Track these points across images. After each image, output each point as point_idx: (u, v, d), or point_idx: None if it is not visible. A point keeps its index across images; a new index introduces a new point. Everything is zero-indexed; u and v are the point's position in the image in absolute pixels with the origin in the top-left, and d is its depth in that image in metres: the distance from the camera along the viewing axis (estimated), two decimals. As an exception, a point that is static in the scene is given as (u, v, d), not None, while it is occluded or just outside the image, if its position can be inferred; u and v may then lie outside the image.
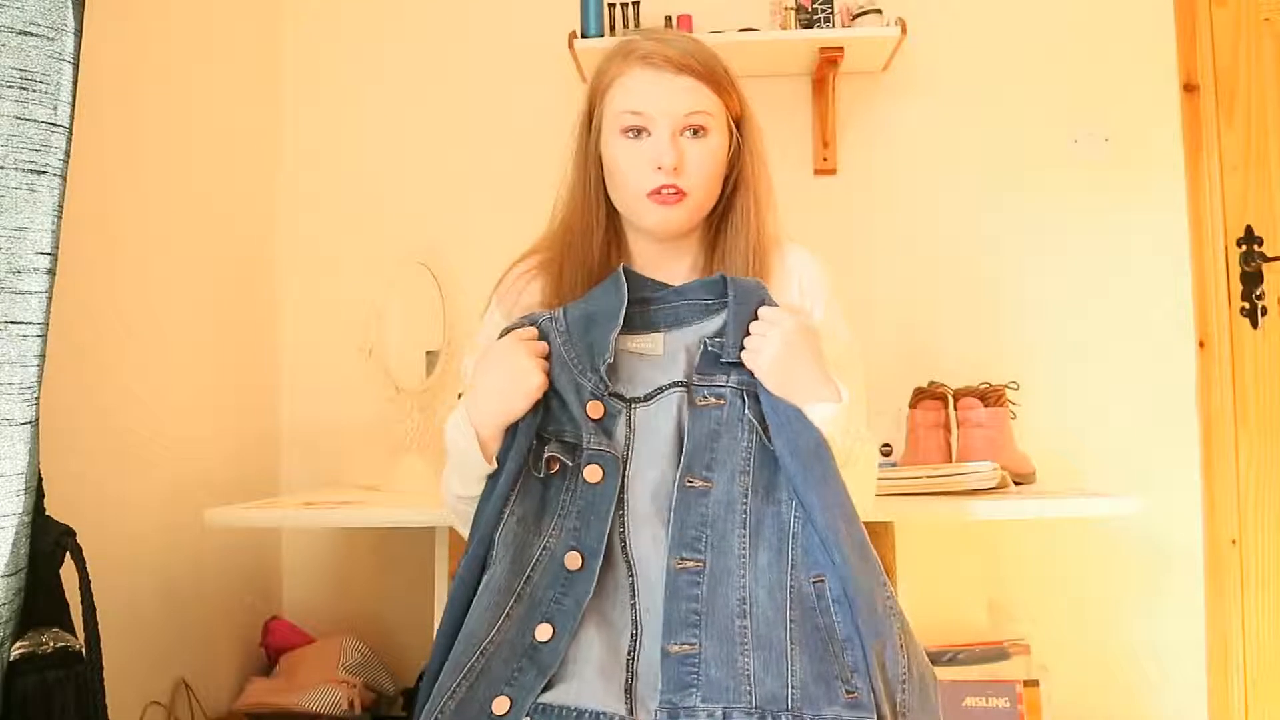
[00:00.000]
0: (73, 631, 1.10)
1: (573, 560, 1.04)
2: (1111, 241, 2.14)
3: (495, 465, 1.09)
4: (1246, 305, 2.10)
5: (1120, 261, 2.14)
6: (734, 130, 1.20)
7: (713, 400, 1.11)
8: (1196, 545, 2.10)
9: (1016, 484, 1.71)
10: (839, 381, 1.10)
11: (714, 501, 1.06)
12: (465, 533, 1.14)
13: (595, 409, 1.10)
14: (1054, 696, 1.83)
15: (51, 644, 1.06)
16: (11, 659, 1.03)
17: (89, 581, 1.09)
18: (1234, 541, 2.07)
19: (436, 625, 1.53)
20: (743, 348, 1.11)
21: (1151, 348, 2.12)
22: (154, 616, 1.68)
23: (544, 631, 1.01)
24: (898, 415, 1.94)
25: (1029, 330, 2.13)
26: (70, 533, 1.10)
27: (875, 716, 0.95)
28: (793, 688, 0.96)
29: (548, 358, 1.11)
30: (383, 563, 2.14)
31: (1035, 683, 1.78)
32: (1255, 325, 2.10)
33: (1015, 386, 1.88)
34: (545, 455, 1.09)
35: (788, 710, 0.95)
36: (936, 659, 1.84)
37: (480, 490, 1.11)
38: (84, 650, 1.08)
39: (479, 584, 1.06)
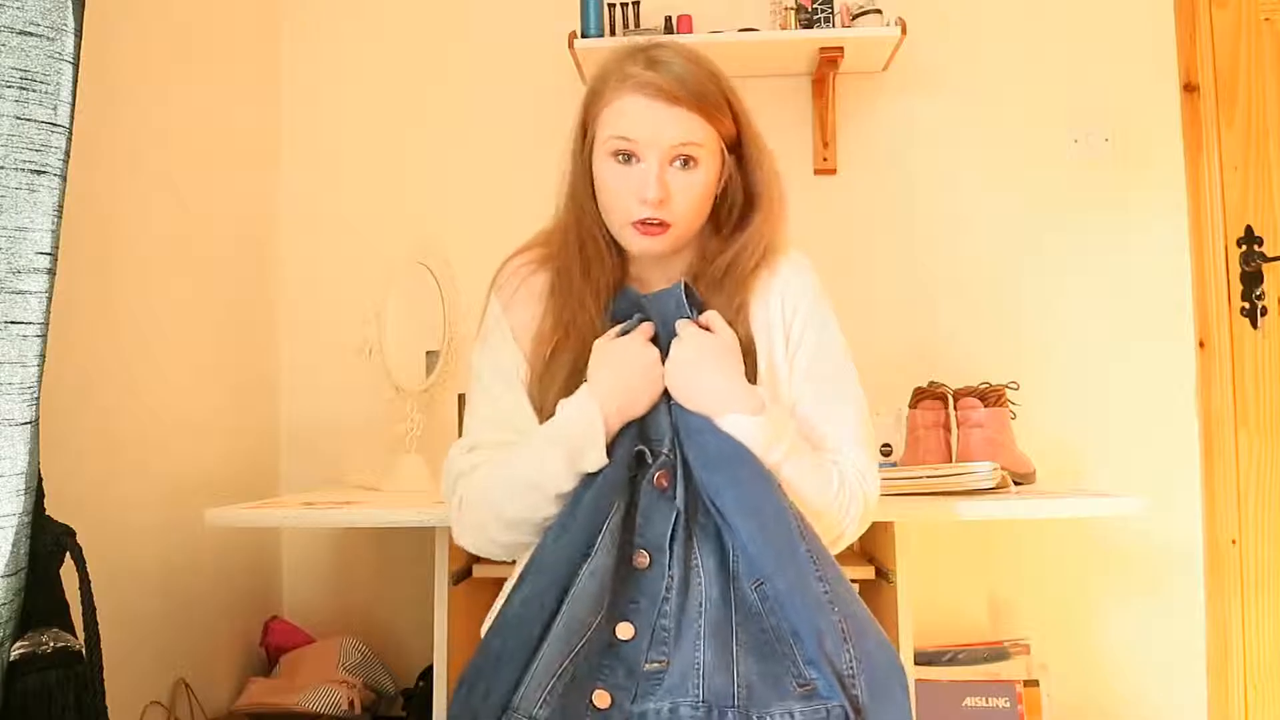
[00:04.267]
0: (73, 631, 1.09)
1: (640, 559, 1.06)
2: (1111, 241, 2.14)
3: (607, 460, 1.09)
4: (1246, 305, 2.10)
5: (1120, 261, 2.14)
6: (725, 154, 1.20)
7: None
8: (1196, 545, 2.10)
9: (1016, 484, 1.71)
10: (766, 398, 1.12)
11: (675, 509, 1.09)
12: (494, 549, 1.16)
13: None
14: (1054, 696, 1.83)
15: (51, 644, 1.06)
16: (11, 659, 1.03)
17: (89, 581, 1.09)
18: (1234, 541, 2.07)
19: (438, 624, 1.53)
20: None
21: (1151, 348, 2.12)
22: (154, 616, 1.69)
23: (625, 630, 1.03)
24: (898, 415, 1.94)
25: (1029, 330, 2.13)
26: (70, 533, 1.10)
27: (836, 702, 0.95)
28: (739, 687, 0.97)
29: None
30: (383, 563, 2.15)
31: (1035, 683, 1.78)
32: (1255, 325, 2.10)
33: (1015, 386, 1.87)
34: (652, 464, 1.10)
35: (734, 708, 0.96)
36: (936, 659, 1.85)
37: (547, 511, 1.10)
38: (84, 650, 1.08)
39: (577, 567, 1.04)
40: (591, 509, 1.07)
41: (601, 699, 0.98)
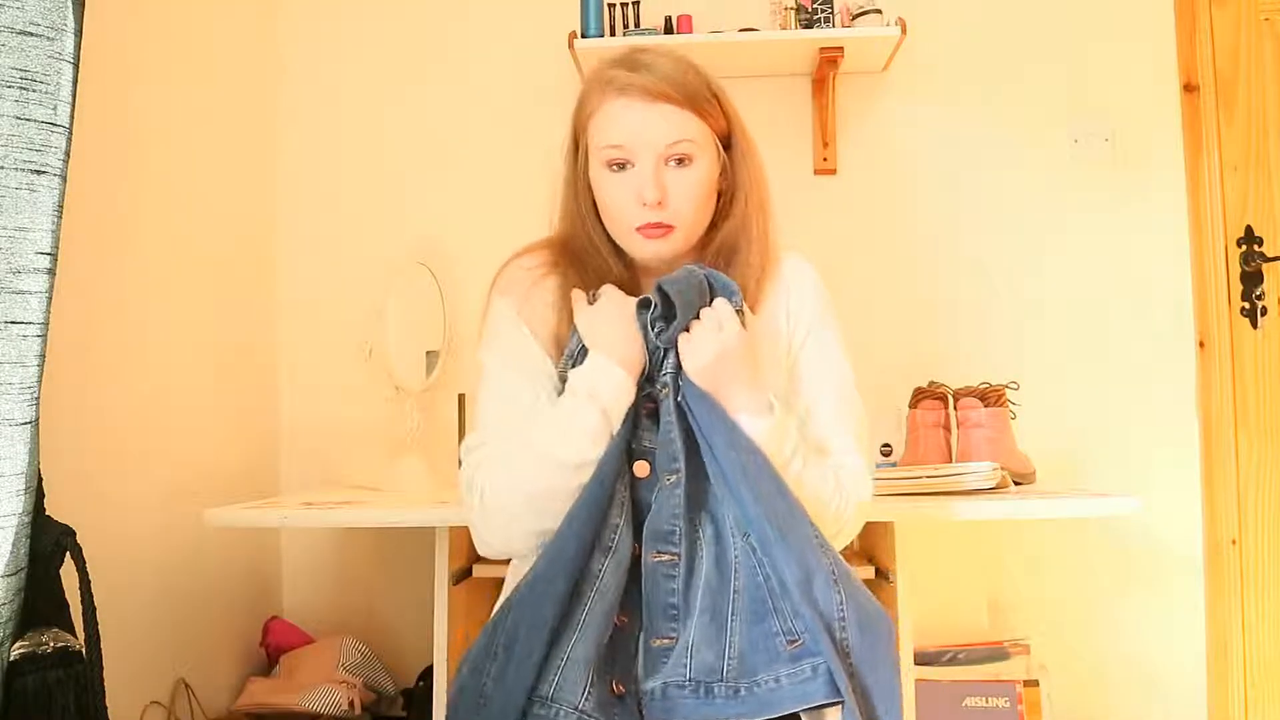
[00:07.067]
0: (73, 631, 1.09)
1: (654, 556, 1.06)
2: (1111, 241, 2.14)
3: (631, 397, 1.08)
4: (1246, 305, 2.10)
5: (1120, 261, 2.14)
6: (720, 149, 1.18)
7: (662, 389, 1.11)
8: (1196, 545, 2.10)
9: (1016, 484, 1.71)
10: (773, 397, 1.10)
11: (682, 492, 1.07)
12: (521, 527, 1.08)
13: (648, 406, 1.12)
14: (1054, 696, 1.83)
15: (51, 644, 1.06)
16: (11, 659, 1.03)
17: (89, 581, 1.09)
18: (1234, 541, 2.07)
19: (438, 624, 1.54)
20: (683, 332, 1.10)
21: (1151, 348, 2.12)
22: (154, 616, 1.69)
23: (622, 618, 1.04)
24: (898, 415, 1.94)
25: (1029, 330, 2.13)
26: (70, 533, 1.10)
27: (822, 660, 0.94)
28: (729, 659, 0.97)
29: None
30: (383, 563, 2.15)
31: (1035, 683, 1.79)
32: (1255, 325, 2.10)
33: (1015, 386, 1.88)
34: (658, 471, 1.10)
35: (722, 681, 0.97)
36: (936, 659, 1.85)
37: (573, 483, 1.06)
38: (84, 650, 1.08)
39: (590, 555, 1.03)
40: (599, 495, 1.05)
41: (618, 687, 1.00)
